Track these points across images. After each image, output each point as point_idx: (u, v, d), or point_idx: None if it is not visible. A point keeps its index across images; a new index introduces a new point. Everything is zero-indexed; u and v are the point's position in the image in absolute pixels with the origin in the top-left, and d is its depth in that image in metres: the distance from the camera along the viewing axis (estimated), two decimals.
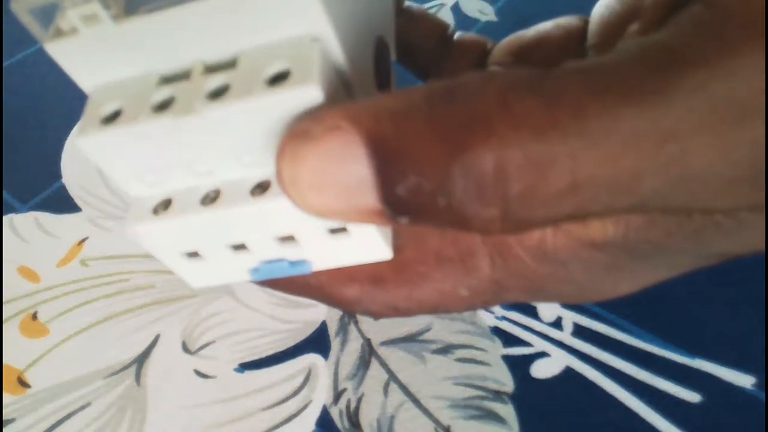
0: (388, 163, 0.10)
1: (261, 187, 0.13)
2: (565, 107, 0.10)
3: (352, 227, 0.13)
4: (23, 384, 0.27)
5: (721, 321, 0.26)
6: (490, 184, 0.10)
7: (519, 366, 0.25)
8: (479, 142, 0.10)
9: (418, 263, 0.15)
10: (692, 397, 0.24)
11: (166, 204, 0.13)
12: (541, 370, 0.25)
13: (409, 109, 0.10)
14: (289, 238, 0.14)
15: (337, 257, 0.14)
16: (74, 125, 0.37)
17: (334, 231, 0.13)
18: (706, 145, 0.10)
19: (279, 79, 0.12)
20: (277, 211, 0.13)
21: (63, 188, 0.34)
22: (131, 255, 0.31)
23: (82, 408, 0.26)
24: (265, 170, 0.13)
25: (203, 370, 0.26)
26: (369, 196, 0.11)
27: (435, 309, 0.15)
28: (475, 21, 0.38)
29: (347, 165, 0.10)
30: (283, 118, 0.12)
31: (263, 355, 0.27)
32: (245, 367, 0.26)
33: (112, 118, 0.12)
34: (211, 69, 0.12)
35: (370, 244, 0.14)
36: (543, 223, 0.11)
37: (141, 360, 0.27)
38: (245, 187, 0.13)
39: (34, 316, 0.29)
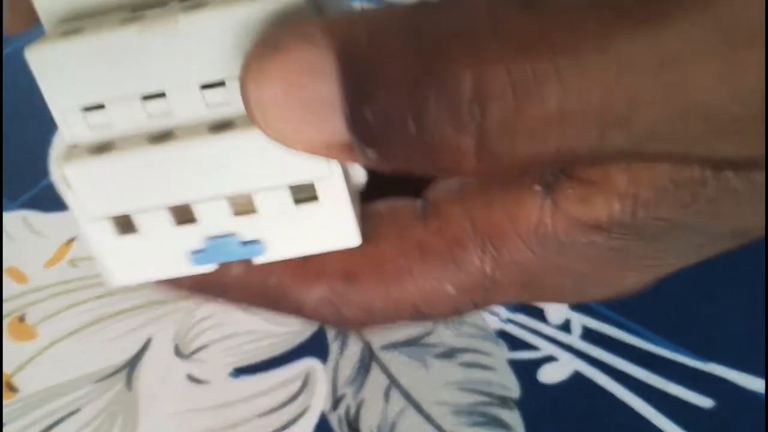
0: (358, 81, 0.09)
1: (221, 126, 0.11)
2: (558, 23, 0.09)
3: (322, 194, 0.12)
4: (11, 388, 0.26)
5: (733, 324, 0.25)
6: (466, 105, 0.09)
7: (525, 371, 0.25)
8: (459, 57, 0.09)
9: (398, 256, 0.13)
10: (704, 402, 0.24)
11: (106, 146, 0.12)
12: (549, 374, 0.25)
13: (389, 22, 0.10)
14: (245, 208, 0.12)
15: (296, 241, 0.13)
16: None
17: (301, 201, 0.12)
18: (709, 71, 0.09)
19: None
20: (238, 154, 0.11)
21: (51, 186, 0.33)
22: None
23: (72, 413, 0.25)
24: (230, 110, 0.11)
25: (197, 375, 0.26)
26: (335, 119, 0.10)
27: (416, 311, 0.14)
28: None
29: (315, 80, 0.09)
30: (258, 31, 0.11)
31: (259, 359, 0.26)
32: (240, 371, 0.26)
33: (71, 31, 0.11)
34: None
35: (337, 224, 0.12)
36: (524, 161, 0.10)
37: (132, 364, 0.27)
38: (204, 125, 0.11)
39: (22, 318, 0.28)
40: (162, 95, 0.12)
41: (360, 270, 0.13)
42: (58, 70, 0.11)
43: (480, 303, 0.14)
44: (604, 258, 0.12)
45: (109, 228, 0.12)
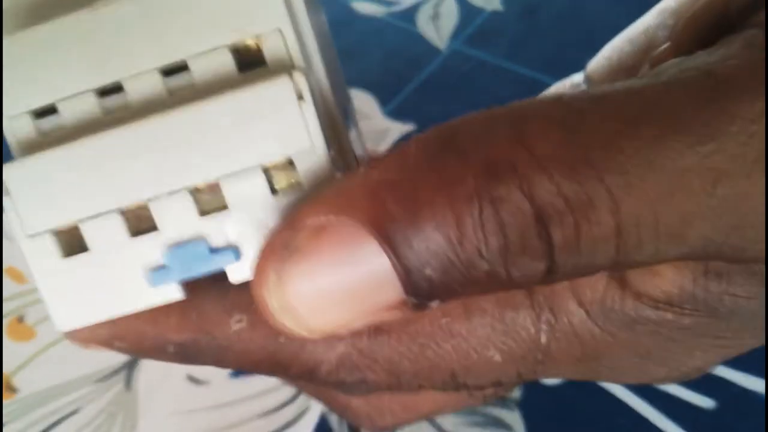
0: (409, 240, 0.08)
1: (180, 102, 0.10)
2: (594, 141, 0.08)
3: (304, 175, 0.10)
4: (11, 389, 0.26)
5: None
6: (533, 233, 0.08)
7: None
8: (512, 188, 0.08)
9: (438, 311, 0.11)
10: (705, 402, 0.23)
11: (54, 136, 0.10)
12: None
13: (408, 172, 0.09)
14: (212, 209, 0.10)
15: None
16: None
17: (280, 190, 0.10)
18: (756, 183, 0.09)
19: None
20: (201, 131, 0.10)
21: None
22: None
23: (72, 414, 0.25)
24: (194, 88, 0.10)
25: (196, 375, 0.26)
26: (390, 289, 0.09)
27: (452, 378, 0.12)
28: (480, 11, 0.38)
29: (356, 265, 0.09)
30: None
31: None
32: (240, 371, 0.26)
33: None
34: None
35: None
36: (586, 272, 0.09)
37: (131, 364, 0.26)
38: (160, 104, 0.10)
39: (21, 319, 0.28)
40: (118, 88, 0.10)
41: (394, 325, 0.12)
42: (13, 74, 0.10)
43: (526, 376, 0.12)
44: (672, 336, 0.11)
45: (53, 248, 0.10)
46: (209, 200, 0.10)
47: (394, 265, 0.09)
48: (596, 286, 0.11)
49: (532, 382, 0.24)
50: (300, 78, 0.10)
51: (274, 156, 0.10)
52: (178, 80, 0.10)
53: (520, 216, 0.08)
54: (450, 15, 0.38)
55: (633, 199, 0.09)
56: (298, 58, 0.10)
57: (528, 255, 0.09)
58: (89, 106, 0.10)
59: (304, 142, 0.10)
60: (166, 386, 0.26)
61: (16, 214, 0.10)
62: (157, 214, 0.10)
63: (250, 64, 0.10)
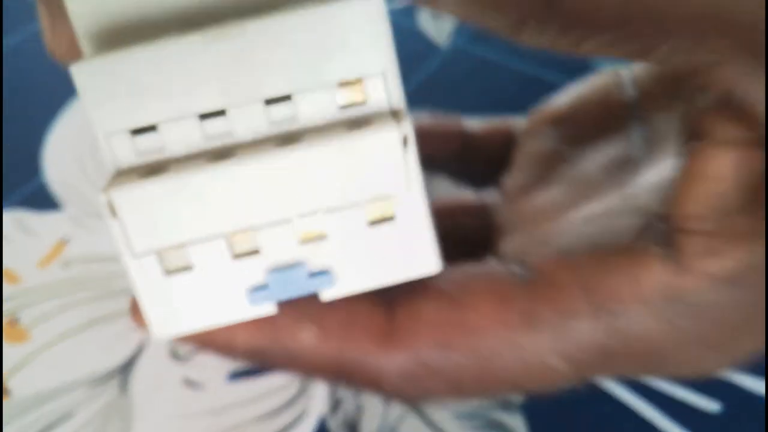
0: None
1: (288, 139, 0.10)
2: None
3: (398, 211, 0.11)
4: (4, 391, 0.26)
5: None
6: None
7: None
8: None
9: (500, 325, 0.12)
10: (711, 406, 0.23)
11: (159, 167, 0.11)
12: None
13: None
14: (313, 235, 0.11)
15: (370, 269, 0.11)
16: (56, 118, 0.36)
17: (374, 222, 0.11)
18: None
19: None
20: (306, 170, 0.10)
21: (44, 185, 0.33)
22: (116, 256, 0.30)
23: (66, 417, 0.25)
24: (296, 125, 0.11)
25: (192, 379, 0.26)
26: None
27: (516, 386, 0.12)
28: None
29: None
30: (335, 39, 0.10)
31: None
32: (237, 375, 0.25)
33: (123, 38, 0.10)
34: None
35: (415, 247, 0.11)
36: (592, 18, 0.10)
37: (127, 368, 0.26)
38: (267, 141, 0.11)
39: (15, 321, 0.28)
40: (221, 113, 0.11)
41: (455, 339, 0.12)
42: (103, 90, 0.10)
43: (590, 377, 0.12)
44: (729, 318, 0.12)
45: (156, 267, 0.11)
46: (309, 231, 0.11)
47: None
48: (655, 279, 0.11)
49: None
50: (407, 126, 0.10)
51: (374, 194, 0.11)
52: (280, 111, 0.11)
53: None
54: None
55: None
56: (399, 101, 0.11)
57: None
58: (191, 129, 0.11)
59: (403, 185, 0.11)
60: (162, 390, 0.25)
61: (124, 235, 0.11)
62: (262, 241, 0.11)
63: (352, 102, 0.11)
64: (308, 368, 0.12)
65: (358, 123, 0.11)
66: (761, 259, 0.11)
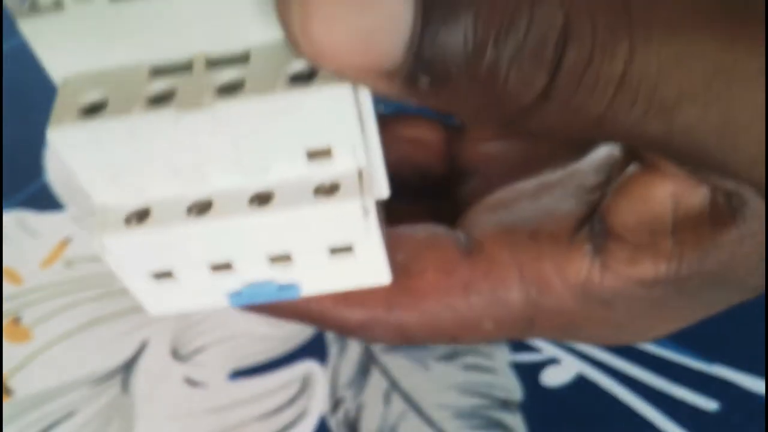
0: (441, 1, 0.09)
1: (260, 198, 0.12)
2: (641, 3, 0.09)
3: (357, 246, 0.12)
4: (6, 391, 0.26)
5: (738, 325, 0.25)
6: (551, 42, 0.09)
7: (528, 373, 0.25)
8: None
9: (442, 293, 0.14)
10: (709, 404, 0.23)
11: (142, 214, 0.12)
12: (551, 377, 0.24)
13: None
14: (282, 258, 0.12)
15: (330, 281, 0.13)
16: None
17: (335, 251, 0.12)
18: (753, 99, 0.10)
19: (301, 78, 0.10)
20: (279, 226, 0.12)
21: (46, 186, 0.33)
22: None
23: (68, 417, 0.25)
24: (268, 179, 0.12)
25: (194, 378, 0.26)
26: (395, 40, 0.09)
27: (454, 339, 0.14)
28: None
29: (376, 4, 0.09)
30: (306, 118, 0.11)
31: (257, 361, 0.26)
32: (238, 374, 0.26)
33: (94, 109, 0.11)
34: (216, 62, 0.11)
35: (370, 267, 0.13)
36: (574, 119, 0.10)
37: (128, 367, 0.26)
38: (242, 197, 0.12)
39: (18, 320, 0.28)
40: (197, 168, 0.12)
41: (401, 301, 0.14)
42: (83, 148, 0.11)
43: (515, 337, 0.15)
44: (644, 310, 0.13)
45: (146, 276, 0.13)
46: (278, 254, 0.13)
47: (414, 15, 0.09)
48: (579, 272, 0.13)
49: (534, 385, 0.24)
50: (369, 201, 0.12)
51: (337, 242, 0.12)
52: (252, 164, 0.12)
53: (549, 22, 0.09)
54: None
55: (646, 58, 0.09)
56: (364, 167, 0.12)
57: (535, 63, 0.09)
58: (169, 183, 0.12)
59: (363, 236, 0.12)
60: (163, 389, 0.25)
61: (116, 265, 0.12)
62: (237, 266, 0.12)
63: (321, 156, 0.12)
64: (280, 315, 0.14)
65: (324, 187, 0.12)
66: (674, 274, 0.12)
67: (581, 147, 0.15)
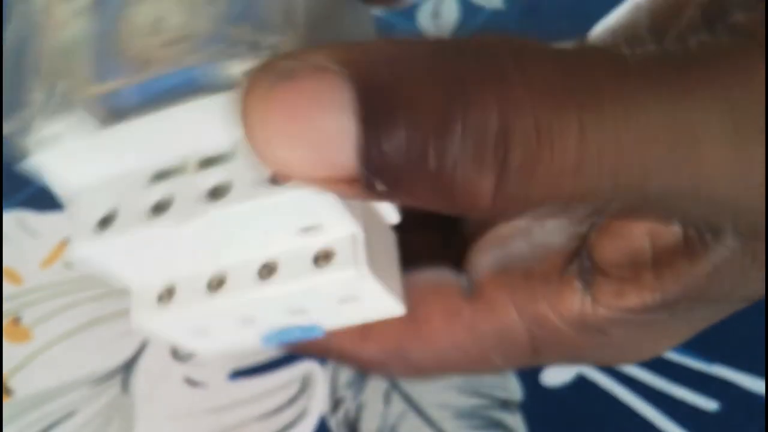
0: (378, 113, 0.09)
1: (267, 268, 0.13)
2: (583, 80, 0.09)
3: (361, 296, 0.13)
4: (6, 391, 0.26)
5: (738, 326, 0.24)
6: (491, 146, 0.09)
7: (528, 373, 0.24)
8: (489, 97, 0.09)
9: (449, 335, 0.15)
10: (709, 405, 0.23)
11: (169, 292, 0.14)
12: (552, 377, 0.24)
13: (412, 57, 0.09)
14: (298, 311, 0.14)
15: (349, 317, 0.14)
16: None
17: (344, 301, 0.13)
18: (719, 156, 0.09)
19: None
20: (287, 294, 0.13)
21: (46, 186, 0.33)
22: None
23: (68, 416, 0.25)
24: (271, 250, 0.13)
25: (194, 378, 0.26)
26: (345, 152, 0.09)
27: (465, 373, 0.16)
28: (481, 9, 0.37)
29: (326, 113, 0.09)
30: (291, 209, 0.12)
31: (257, 362, 0.26)
32: (238, 374, 0.26)
33: (105, 222, 0.12)
34: (206, 163, 0.12)
35: (381, 303, 0.14)
36: (536, 204, 0.10)
37: (128, 367, 0.26)
38: (251, 270, 0.13)
39: (17, 320, 0.28)
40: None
41: (412, 344, 0.15)
42: (105, 257, 0.13)
43: (524, 366, 0.16)
44: (640, 333, 0.14)
45: (186, 335, 0.15)
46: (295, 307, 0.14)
47: (356, 129, 0.09)
48: (572, 308, 0.14)
49: (534, 385, 0.24)
50: (362, 268, 0.13)
51: (343, 296, 0.13)
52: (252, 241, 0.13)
53: (485, 125, 0.09)
54: (451, 13, 0.38)
55: (601, 140, 0.09)
56: (357, 232, 0.13)
57: (479, 165, 0.09)
58: (198, 281, 0.14)
59: (364, 291, 0.13)
60: (163, 389, 0.25)
61: (159, 334, 0.15)
62: (260, 320, 0.14)
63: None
64: (300, 348, 0.16)
65: (323, 254, 0.13)
66: (660, 302, 0.13)
67: None
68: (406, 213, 0.14)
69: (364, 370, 0.16)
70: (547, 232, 0.15)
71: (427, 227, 0.18)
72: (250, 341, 0.15)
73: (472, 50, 0.09)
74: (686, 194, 0.10)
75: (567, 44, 0.10)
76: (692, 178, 0.10)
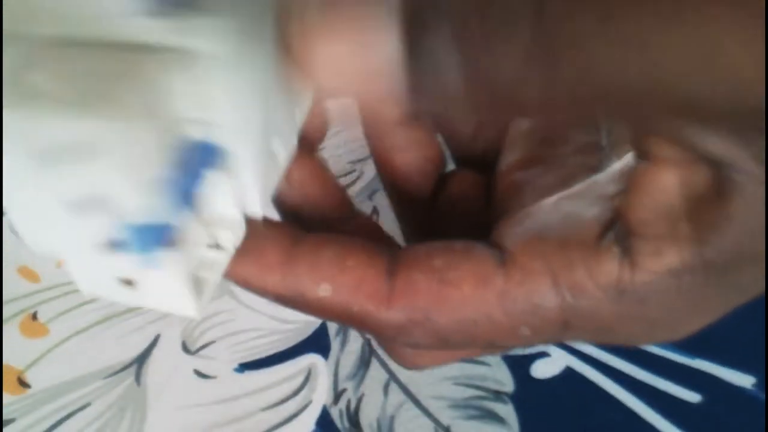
0: (422, 26, 0.10)
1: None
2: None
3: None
4: (23, 384, 0.26)
5: (720, 321, 0.25)
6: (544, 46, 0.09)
7: (519, 366, 0.25)
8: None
9: (479, 302, 0.14)
10: (692, 397, 0.24)
11: None
12: (541, 370, 0.25)
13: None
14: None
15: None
16: None
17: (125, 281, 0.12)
18: (746, 51, 0.09)
19: None
20: None
21: None
22: None
23: (82, 408, 0.26)
24: None
25: (203, 370, 0.26)
26: (392, 80, 0.10)
27: (490, 345, 0.15)
28: None
29: (375, 44, 0.10)
30: None
31: (263, 355, 0.26)
32: (245, 367, 0.26)
33: None
34: None
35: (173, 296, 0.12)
36: (584, 107, 0.10)
37: (141, 360, 0.27)
38: None
39: (34, 316, 0.28)
40: None
41: (440, 309, 0.14)
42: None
43: (551, 341, 0.15)
44: (675, 303, 0.13)
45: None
46: None
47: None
48: (611, 273, 0.13)
49: (525, 377, 0.25)
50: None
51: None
52: None
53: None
54: None
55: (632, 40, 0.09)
56: None
57: (529, 67, 0.09)
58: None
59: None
60: (174, 381, 0.26)
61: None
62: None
63: None
64: (322, 315, 0.15)
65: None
66: (699, 257, 0.12)
67: (597, 163, 0.15)
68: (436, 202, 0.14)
69: (383, 336, 0.15)
70: (579, 206, 0.14)
71: (460, 214, 0.18)
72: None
73: None
74: (712, 98, 0.09)
75: None
76: (717, 77, 0.09)
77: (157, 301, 0.12)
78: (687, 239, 0.12)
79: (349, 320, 0.14)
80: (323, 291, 0.14)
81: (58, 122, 0.10)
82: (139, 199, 0.10)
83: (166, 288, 0.12)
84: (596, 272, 0.13)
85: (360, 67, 0.10)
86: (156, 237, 0.11)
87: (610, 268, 0.13)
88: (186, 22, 0.10)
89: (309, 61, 0.10)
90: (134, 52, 0.10)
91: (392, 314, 0.14)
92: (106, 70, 0.10)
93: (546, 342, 0.15)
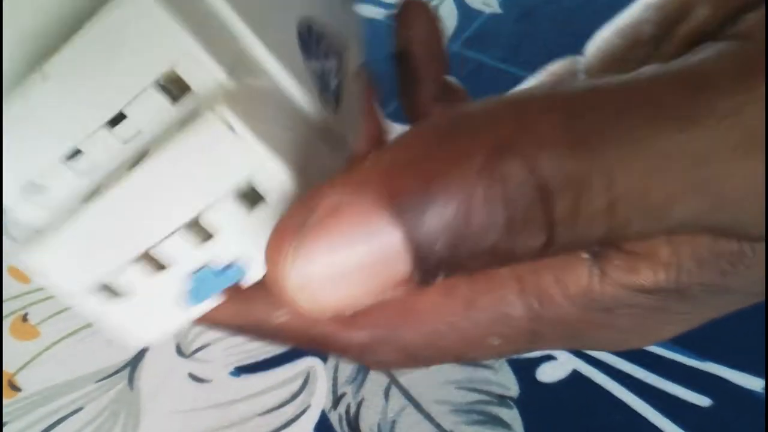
0: (421, 214, 0.09)
1: (138, 159, 0.11)
2: (590, 125, 0.09)
3: (270, 197, 0.11)
4: (14, 387, 0.26)
5: (730, 324, 0.25)
6: (537, 206, 0.09)
7: (524, 369, 0.25)
8: (513, 164, 0.09)
9: (444, 312, 0.13)
10: (702, 401, 0.24)
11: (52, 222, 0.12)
12: (547, 373, 0.25)
13: (419, 151, 0.09)
14: (202, 232, 0.11)
15: (256, 227, 0.11)
16: None
17: (243, 198, 0.11)
18: (738, 169, 0.10)
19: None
20: (162, 175, 0.11)
21: None
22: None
23: (74, 412, 0.25)
24: (143, 140, 0.11)
25: (198, 374, 0.26)
26: (399, 263, 0.09)
27: (460, 358, 0.14)
28: (479, 13, 0.38)
29: (370, 240, 0.09)
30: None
31: (260, 358, 0.26)
32: (241, 370, 0.26)
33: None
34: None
35: (273, 175, 0.11)
36: (580, 246, 0.10)
37: (134, 363, 0.27)
38: (123, 167, 0.11)
39: (25, 318, 0.28)
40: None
41: (405, 322, 0.13)
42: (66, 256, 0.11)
43: (522, 350, 0.14)
44: (647, 316, 0.13)
45: (99, 297, 0.12)
46: (202, 233, 0.12)
47: (405, 239, 0.09)
48: (580, 279, 0.13)
49: (530, 381, 0.25)
50: (224, 110, 0.10)
51: (234, 184, 0.11)
52: (126, 129, 0.11)
53: (526, 191, 0.09)
54: (449, 17, 0.38)
55: (624, 177, 0.09)
56: (220, 77, 0.11)
57: (530, 228, 0.09)
58: (62, 172, 0.12)
59: (255, 164, 0.11)
60: (168, 385, 0.26)
61: (57, 288, 0.12)
62: (162, 257, 0.12)
63: (182, 90, 0.11)
64: (283, 341, 0.14)
65: (186, 114, 0.11)
66: (674, 281, 0.12)
67: None
68: None
69: (348, 357, 0.14)
70: None
71: None
72: (177, 309, 0.12)
73: (468, 126, 0.10)
74: (714, 213, 0.10)
75: (566, 83, 0.10)
76: (715, 196, 0.10)
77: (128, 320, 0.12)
78: (664, 263, 0.12)
79: (310, 344, 0.14)
80: (280, 317, 0.13)
81: None
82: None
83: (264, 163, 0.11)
84: (564, 279, 0.13)
85: (358, 266, 0.10)
86: None
87: (578, 276, 0.13)
88: None
89: (300, 287, 0.10)
90: None
91: (354, 334, 0.13)
92: None
93: (518, 352, 0.14)
